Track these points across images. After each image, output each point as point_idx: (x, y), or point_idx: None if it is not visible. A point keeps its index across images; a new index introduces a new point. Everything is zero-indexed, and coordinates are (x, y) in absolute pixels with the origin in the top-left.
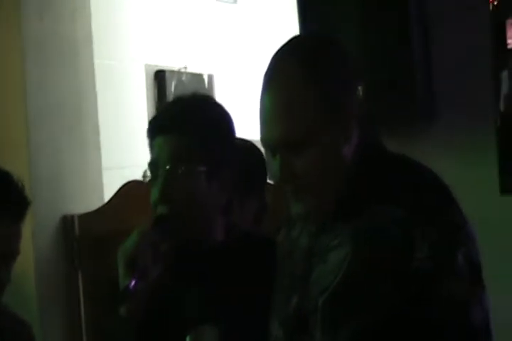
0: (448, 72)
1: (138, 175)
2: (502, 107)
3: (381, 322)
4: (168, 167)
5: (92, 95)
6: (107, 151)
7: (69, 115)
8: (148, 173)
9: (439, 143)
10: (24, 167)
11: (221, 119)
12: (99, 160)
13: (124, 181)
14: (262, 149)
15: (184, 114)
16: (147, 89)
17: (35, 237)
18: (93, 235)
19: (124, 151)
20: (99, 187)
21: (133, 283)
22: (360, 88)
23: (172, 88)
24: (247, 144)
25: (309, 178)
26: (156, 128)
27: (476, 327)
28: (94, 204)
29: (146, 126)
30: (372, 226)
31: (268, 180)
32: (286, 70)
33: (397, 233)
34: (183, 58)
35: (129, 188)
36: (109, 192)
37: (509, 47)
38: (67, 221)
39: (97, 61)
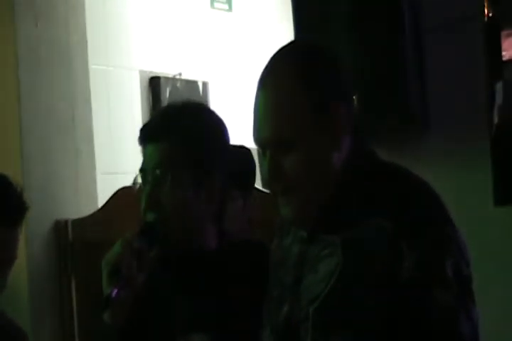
0: (442, 83)
1: (131, 180)
2: (496, 118)
3: (370, 332)
4: (156, 174)
5: (86, 101)
6: (100, 157)
7: (62, 121)
8: (139, 180)
9: (430, 153)
10: (17, 172)
11: (213, 127)
12: (92, 166)
13: (118, 187)
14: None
15: (174, 122)
16: (141, 96)
17: (28, 242)
18: (86, 240)
19: (118, 157)
20: (93, 193)
21: (115, 291)
22: (351, 97)
23: (167, 94)
24: (242, 150)
25: (297, 179)
26: (146, 136)
27: (464, 340)
28: (87, 210)
29: (138, 131)
30: (360, 237)
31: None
32: (280, 72)
33: (385, 244)
34: (177, 65)
35: (122, 194)
36: (103, 197)
37: (504, 58)
38: (60, 226)
39: (91, 67)
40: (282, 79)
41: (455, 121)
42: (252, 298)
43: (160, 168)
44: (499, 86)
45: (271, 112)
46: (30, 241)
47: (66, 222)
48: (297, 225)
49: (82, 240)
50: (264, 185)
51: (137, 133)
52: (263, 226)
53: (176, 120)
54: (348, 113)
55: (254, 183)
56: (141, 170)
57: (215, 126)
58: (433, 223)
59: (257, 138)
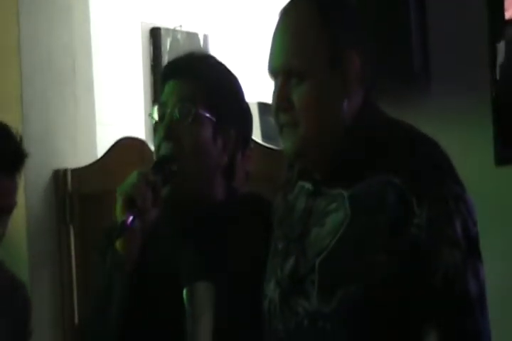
0: (444, 42)
1: (131, 132)
2: (498, 78)
3: (377, 285)
4: (178, 108)
5: (87, 51)
6: (100, 108)
7: (63, 71)
8: (156, 116)
9: (433, 113)
10: (17, 121)
11: (236, 80)
12: (92, 116)
13: (118, 138)
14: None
15: (198, 63)
16: (142, 47)
17: (26, 191)
18: (85, 190)
19: (118, 107)
20: (92, 143)
21: (130, 218)
22: (368, 47)
23: (167, 46)
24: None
25: (303, 112)
26: (170, 73)
27: (472, 298)
28: (86, 160)
29: (140, 82)
30: (369, 191)
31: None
32: (303, 5)
33: (394, 200)
34: (178, 17)
35: (122, 144)
36: (102, 148)
37: (506, 17)
38: (59, 175)
39: (92, 17)
40: (304, 12)
41: (457, 80)
42: (257, 250)
43: (181, 102)
44: (501, 44)
45: (287, 41)
46: (29, 190)
47: (65, 171)
48: (296, 160)
49: (80, 190)
50: (272, 111)
51: (138, 84)
52: (261, 181)
53: (201, 61)
54: (362, 62)
55: (251, 136)
56: (160, 105)
57: (239, 84)
58: (443, 181)
59: (271, 67)
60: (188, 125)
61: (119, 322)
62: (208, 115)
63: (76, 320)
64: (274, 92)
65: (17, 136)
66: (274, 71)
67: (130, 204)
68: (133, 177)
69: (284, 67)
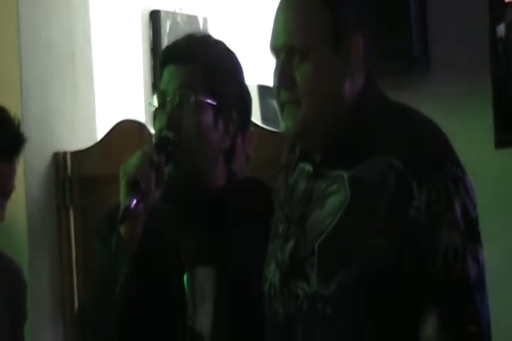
0: (444, 26)
1: (131, 115)
2: (498, 61)
3: (376, 268)
4: (177, 95)
5: (86, 35)
6: (100, 91)
7: (62, 55)
8: (155, 102)
9: (433, 97)
10: (17, 105)
11: (237, 63)
12: (92, 100)
13: (117, 121)
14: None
15: (199, 46)
16: (142, 30)
17: (26, 175)
18: (85, 173)
19: (117, 91)
20: (92, 127)
21: (134, 202)
22: (372, 29)
23: (167, 29)
24: None
25: (305, 89)
26: (169, 57)
27: (471, 281)
28: (86, 143)
29: (140, 65)
30: (369, 173)
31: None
32: None
33: (394, 182)
34: (178, 0)
35: (122, 127)
36: (101, 131)
37: (506, 0)
38: (58, 158)
39: (92, 1)
40: None
41: (456, 63)
42: (257, 234)
43: (182, 89)
44: (501, 27)
45: (290, 19)
46: (29, 173)
47: (64, 154)
48: (297, 139)
49: (80, 173)
50: (274, 90)
51: (137, 67)
52: (260, 163)
53: (202, 45)
54: (364, 42)
55: (251, 118)
56: (160, 92)
57: (239, 63)
58: (442, 164)
59: (273, 45)
60: (188, 112)
61: (122, 307)
62: (208, 100)
63: (76, 302)
64: (275, 70)
65: (15, 120)
66: (277, 49)
67: (134, 187)
68: (137, 157)
69: (287, 45)
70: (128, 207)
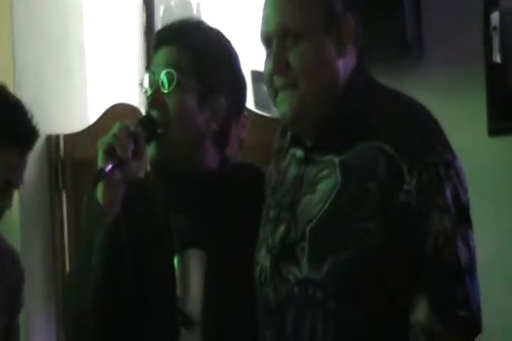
0: (439, 11)
1: (124, 98)
2: (491, 48)
3: (366, 252)
4: (164, 76)
5: (79, 17)
6: (93, 73)
7: (55, 37)
8: (146, 83)
9: (426, 83)
10: (9, 86)
11: (230, 48)
12: (84, 82)
13: (110, 104)
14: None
15: (190, 31)
16: (135, 14)
17: None
18: (77, 156)
19: (110, 73)
20: (85, 109)
21: (109, 166)
22: (361, 11)
23: (160, 13)
24: None
25: (300, 72)
26: (161, 40)
27: (461, 264)
28: (79, 126)
29: (133, 49)
30: (360, 158)
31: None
32: None
33: (384, 166)
34: None
35: (115, 110)
36: (94, 114)
37: None
38: (51, 141)
39: None
40: None
41: (450, 50)
42: (250, 220)
43: (169, 69)
44: (495, 15)
45: (282, 3)
46: None
47: (57, 137)
48: (293, 124)
49: (73, 155)
50: (267, 78)
51: (130, 50)
52: (253, 148)
53: (195, 28)
54: (356, 24)
55: (245, 103)
56: (150, 73)
57: (233, 50)
58: (433, 148)
59: (265, 31)
60: (171, 93)
61: (98, 276)
62: (192, 82)
63: None
64: (268, 56)
65: (30, 113)
66: (269, 35)
67: (110, 154)
68: (114, 127)
69: (280, 28)
70: (102, 169)
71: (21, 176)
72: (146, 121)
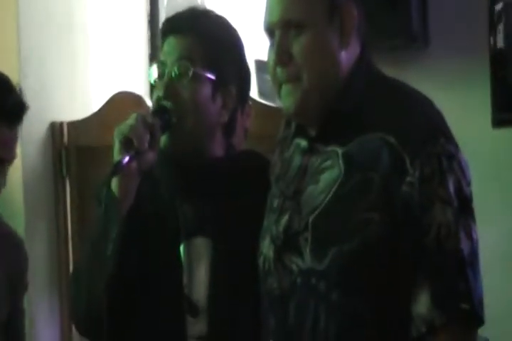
0: (443, 3)
1: (128, 86)
2: (496, 39)
3: (369, 243)
4: (176, 66)
5: (84, 5)
6: (97, 61)
7: (60, 25)
8: (154, 73)
9: (431, 74)
10: (14, 74)
11: (236, 35)
12: (89, 70)
13: (115, 91)
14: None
15: (200, 20)
16: (140, 2)
17: (23, 144)
18: (81, 143)
19: (115, 61)
20: (89, 97)
21: (127, 158)
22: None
23: (165, 1)
24: None
25: (304, 64)
26: (170, 29)
27: (463, 257)
28: (83, 113)
29: (137, 37)
30: (363, 149)
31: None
32: None
33: (387, 158)
34: None
35: (119, 98)
36: (98, 102)
37: None
38: (55, 128)
39: None
40: None
41: (455, 41)
42: (255, 206)
43: (181, 60)
44: (499, 5)
45: None
46: (25, 142)
47: (61, 124)
48: (297, 117)
49: (77, 143)
50: (270, 69)
51: (134, 39)
52: (257, 138)
53: (204, 17)
54: (359, 14)
55: (250, 92)
56: (159, 62)
57: (240, 39)
58: (436, 140)
59: (268, 22)
60: (186, 84)
61: (113, 266)
62: (206, 73)
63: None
64: (271, 47)
65: (18, 88)
66: (272, 25)
67: (127, 145)
68: (131, 118)
69: (283, 18)
70: (120, 162)
71: (13, 151)
72: (161, 112)
